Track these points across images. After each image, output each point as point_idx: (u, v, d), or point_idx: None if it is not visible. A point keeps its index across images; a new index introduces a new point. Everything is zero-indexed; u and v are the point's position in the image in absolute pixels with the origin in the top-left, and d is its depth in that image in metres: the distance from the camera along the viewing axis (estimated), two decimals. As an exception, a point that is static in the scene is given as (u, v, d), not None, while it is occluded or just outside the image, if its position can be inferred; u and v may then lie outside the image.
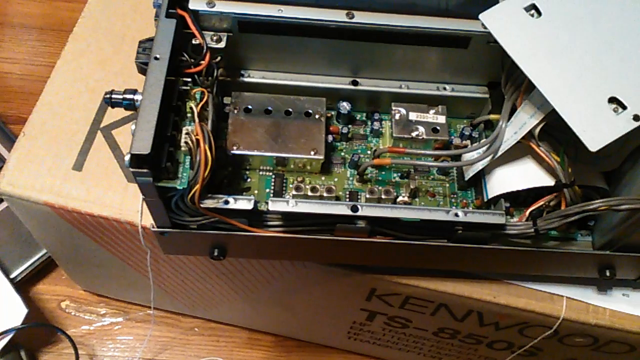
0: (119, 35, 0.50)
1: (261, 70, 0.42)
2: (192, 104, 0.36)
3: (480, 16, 0.36)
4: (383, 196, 0.39)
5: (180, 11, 0.37)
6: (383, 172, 0.42)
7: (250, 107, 0.41)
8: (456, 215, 0.37)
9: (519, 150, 0.39)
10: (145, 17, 0.51)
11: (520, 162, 0.39)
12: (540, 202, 0.39)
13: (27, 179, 0.44)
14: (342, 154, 0.42)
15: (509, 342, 0.49)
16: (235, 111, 0.40)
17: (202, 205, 0.35)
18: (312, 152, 0.39)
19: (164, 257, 0.47)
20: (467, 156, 0.40)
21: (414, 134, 0.41)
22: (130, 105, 0.35)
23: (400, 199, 0.40)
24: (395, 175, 0.42)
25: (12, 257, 0.59)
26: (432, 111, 0.42)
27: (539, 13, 0.35)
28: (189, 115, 0.36)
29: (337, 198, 0.40)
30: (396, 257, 0.41)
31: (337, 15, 0.38)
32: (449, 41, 0.39)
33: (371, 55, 0.41)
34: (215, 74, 0.37)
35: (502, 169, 0.40)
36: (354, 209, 0.36)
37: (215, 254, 0.39)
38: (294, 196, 0.38)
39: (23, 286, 0.60)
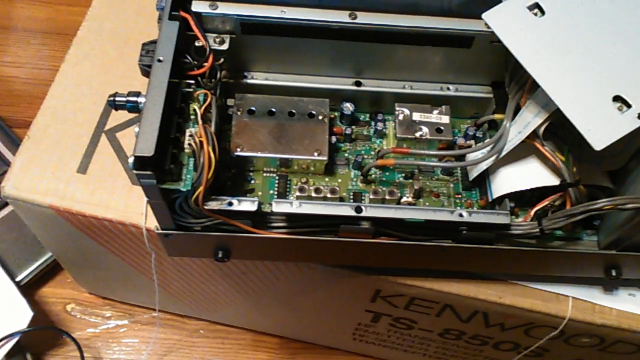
0: (122, 38, 0.50)
1: (264, 71, 0.42)
2: (195, 105, 0.36)
3: (484, 15, 0.36)
4: (387, 197, 0.39)
5: (183, 13, 0.37)
6: (387, 173, 0.42)
7: (253, 108, 0.41)
8: (461, 215, 0.37)
9: (524, 150, 0.38)
10: (148, 20, 0.51)
11: (525, 162, 0.39)
12: (545, 202, 0.39)
13: (32, 182, 0.44)
14: (346, 154, 0.42)
15: (515, 342, 0.49)
16: (239, 113, 0.40)
17: (205, 207, 0.35)
18: (316, 153, 0.39)
19: (169, 260, 0.47)
20: (471, 156, 0.40)
21: (417, 135, 0.41)
22: (134, 108, 0.35)
23: (404, 199, 0.40)
24: (399, 175, 0.42)
25: (18, 260, 0.59)
26: (435, 111, 0.42)
27: (542, 12, 0.35)
28: (192, 117, 0.36)
29: (341, 199, 0.40)
30: (401, 258, 0.41)
31: (339, 16, 0.38)
32: (452, 41, 0.39)
33: (374, 56, 0.41)
34: (218, 75, 0.38)
35: (506, 169, 0.39)
36: (358, 209, 0.36)
37: (220, 255, 0.39)
38: (297, 197, 0.38)
39: (28, 289, 0.60)
